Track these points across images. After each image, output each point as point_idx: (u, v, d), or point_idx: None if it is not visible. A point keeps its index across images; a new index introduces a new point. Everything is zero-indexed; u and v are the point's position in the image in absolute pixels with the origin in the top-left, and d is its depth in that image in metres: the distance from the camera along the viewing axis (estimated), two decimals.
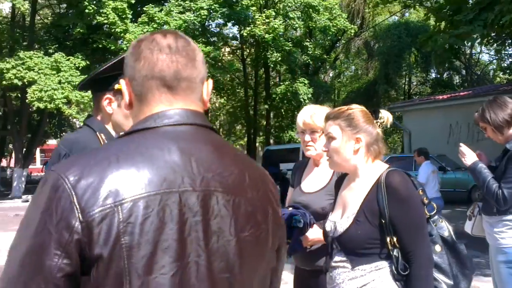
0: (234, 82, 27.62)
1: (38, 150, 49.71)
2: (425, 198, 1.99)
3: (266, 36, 20.62)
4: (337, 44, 30.68)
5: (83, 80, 2.05)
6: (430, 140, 15.16)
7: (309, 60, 24.35)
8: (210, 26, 25.05)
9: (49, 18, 23.07)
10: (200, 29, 22.43)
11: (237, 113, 27.94)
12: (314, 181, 2.64)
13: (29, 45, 19.50)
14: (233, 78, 27.84)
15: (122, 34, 19.03)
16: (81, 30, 18.79)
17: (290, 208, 2.61)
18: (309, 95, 22.13)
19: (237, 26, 24.61)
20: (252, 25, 21.01)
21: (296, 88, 21.98)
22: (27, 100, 17.84)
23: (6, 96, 20.69)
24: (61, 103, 17.17)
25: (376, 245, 1.89)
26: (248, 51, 26.72)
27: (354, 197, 2.00)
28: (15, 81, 17.16)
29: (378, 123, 2.04)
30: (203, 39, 20.67)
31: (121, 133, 2.13)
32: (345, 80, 37.59)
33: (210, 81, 1.13)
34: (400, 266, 1.85)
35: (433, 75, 30.82)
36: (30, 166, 47.92)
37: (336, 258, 2.00)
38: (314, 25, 22.75)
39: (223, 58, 29.12)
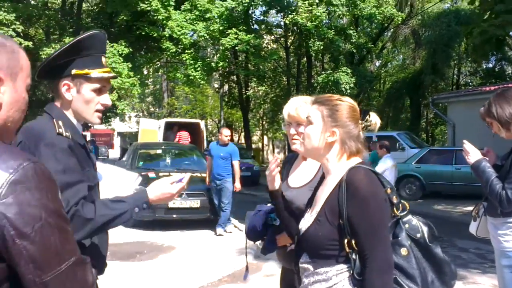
0: (277, 71, 27.43)
1: (89, 135, 51.78)
2: (394, 197, 1.82)
3: (308, 24, 20.29)
4: (385, 33, 29.87)
5: (37, 68, 2.01)
6: (475, 133, 14.49)
7: (353, 49, 23.80)
8: (253, 14, 24.95)
9: (94, 6, 23.57)
10: (242, 17, 22.36)
11: (279, 101, 27.78)
12: (300, 175, 2.55)
13: (75, 31, 19.98)
14: (276, 67, 27.65)
15: (164, 21, 19.23)
16: (124, 18, 19.10)
17: (269, 205, 2.53)
18: (351, 85, 21.66)
19: (281, 14, 24.39)
20: (294, 13, 20.72)
21: (337, 77, 21.55)
22: None
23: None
24: None
25: (336, 246, 1.77)
26: (292, 39, 26.45)
27: (322, 195, 1.90)
28: None
29: (363, 125, 1.93)
30: (244, 27, 20.55)
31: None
32: (392, 69, 36.63)
33: None
34: (356, 270, 1.72)
35: (484, 65, 29.47)
36: None
37: (302, 259, 1.92)
38: (359, 13, 22.16)
39: (268, 46, 28.99)
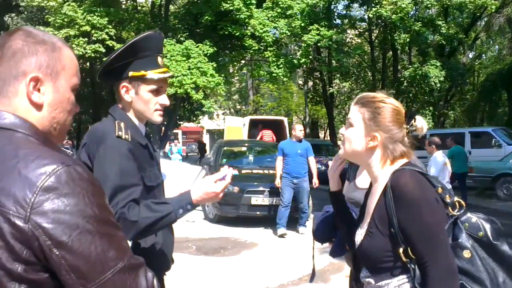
0: (361, 66, 26.81)
1: (180, 132, 53.88)
2: (447, 196, 1.67)
3: (393, 16, 19.60)
4: (478, 22, 28.13)
5: (97, 71, 2.05)
6: None
7: (442, 41, 22.65)
8: (335, 8, 24.55)
9: (181, 8, 24.37)
10: (324, 12, 22.06)
11: None
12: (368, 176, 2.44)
13: (163, 33, 20.73)
14: (361, 62, 27.01)
15: (246, 20, 19.46)
16: (209, 18, 19.58)
17: None
18: (441, 78, 20.62)
19: (364, 7, 23.78)
20: (378, 6, 20.11)
21: (426, 71, 20.61)
22: None
23: None
24: (189, 88, 18.12)
25: (392, 258, 1.65)
26: (377, 32, 25.71)
27: (371, 204, 1.78)
28: None
29: (408, 129, 1.79)
30: (325, 23, 20.28)
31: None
32: (487, 61, 34.41)
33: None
34: (417, 280, 1.59)
35: None
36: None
37: (362, 274, 1.82)
38: (449, 2, 21.00)
39: (351, 41, 28.41)
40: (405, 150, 1.77)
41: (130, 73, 1.97)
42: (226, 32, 19.99)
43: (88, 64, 25.79)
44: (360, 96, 1.88)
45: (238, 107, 46.38)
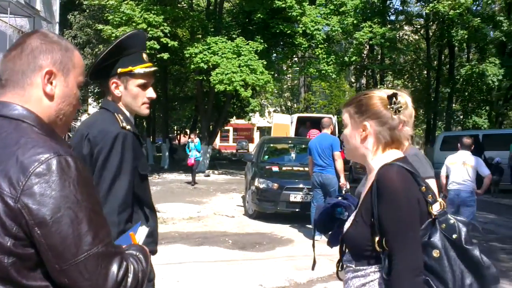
0: (416, 63, 26.12)
1: (231, 129, 54.55)
2: (430, 195, 1.71)
3: (451, 12, 18.98)
4: None
5: (88, 71, 2.21)
6: None
7: (503, 38, 21.70)
8: (391, 4, 24.05)
9: (236, 5, 24.61)
10: (380, 7, 21.68)
11: (417, 96, 26.45)
12: None
13: (216, 31, 21.15)
14: (416, 59, 26.33)
15: (298, 17, 19.45)
16: (261, 16, 19.70)
17: (340, 198, 2.52)
18: (499, 77, 19.78)
19: (421, 2, 23.17)
20: (436, 1, 19.53)
21: (483, 68, 19.83)
22: (210, 83, 19.48)
23: (196, 79, 22.80)
24: (238, 86, 18.34)
25: (371, 247, 1.73)
26: (434, 29, 24.96)
27: (362, 194, 1.87)
28: (201, 64, 18.84)
29: (394, 109, 1.79)
30: (379, 19, 19.92)
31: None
32: None
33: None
34: (385, 270, 1.67)
35: None
36: (224, 144, 52.88)
37: (345, 257, 1.92)
38: None
39: (408, 37, 27.71)
40: (398, 136, 1.80)
41: (119, 70, 2.15)
42: (277, 30, 20.07)
43: None
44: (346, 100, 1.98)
45: (289, 104, 46.35)
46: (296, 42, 20.24)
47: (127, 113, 2.22)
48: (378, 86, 26.14)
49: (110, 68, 2.16)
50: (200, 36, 21.30)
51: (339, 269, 1.99)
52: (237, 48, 19.10)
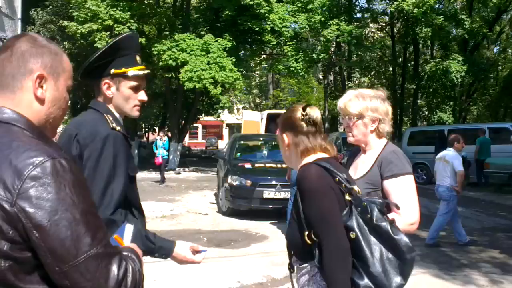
0: (382, 60, 26.59)
1: (200, 126, 54.30)
2: (343, 185, 1.94)
3: (415, 10, 19.41)
4: (503, 16, 27.62)
5: (80, 70, 2.18)
6: None
7: (465, 35, 22.34)
8: (357, 2, 24.40)
9: (203, 2, 24.49)
10: (346, 5, 21.96)
11: None
12: (358, 168, 2.59)
13: (184, 27, 20.99)
14: (381, 56, 26.80)
15: (266, 15, 19.51)
16: (229, 12, 19.66)
17: None
18: (462, 73, 20.36)
19: (386, 1, 23.60)
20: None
21: (447, 65, 20.38)
22: (179, 81, 19.33)
23: (164, 77, 22.58)
24: (208, 83, 18.27)
25: (306, 242, 1.92)
26: (398, 26, 25.45)
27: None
28: (170, 61, 18.67)
29: (303, 119, 2.06)
30: (346, 17, 20.20)
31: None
32: (511, 55, 33.70)
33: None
34: (317, 260, 1.87)
35: None
36: (193, 141, 52.65)
37: (293, 257, 2.10)
38: None
39: (373, 35, 28.18)
40: (312, 145, 2.05)
41: (112, 71, 2.12)
42: (245, 28, 20.08)
43: None
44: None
45: (258, 101, 46.48)
46: (265, 39, 20.31)
47: (117, 115, 2.20)
48: (346, 83, 26.57)
49: (102, 68, 2.13)
50: (167, 33, 21.11)
51: (291, 271, 2.13)
52: (206, 45, 19.05)
